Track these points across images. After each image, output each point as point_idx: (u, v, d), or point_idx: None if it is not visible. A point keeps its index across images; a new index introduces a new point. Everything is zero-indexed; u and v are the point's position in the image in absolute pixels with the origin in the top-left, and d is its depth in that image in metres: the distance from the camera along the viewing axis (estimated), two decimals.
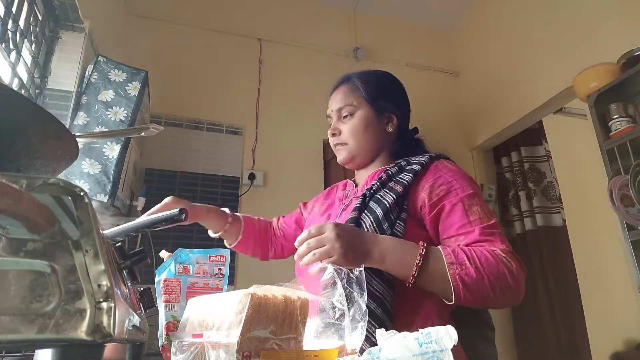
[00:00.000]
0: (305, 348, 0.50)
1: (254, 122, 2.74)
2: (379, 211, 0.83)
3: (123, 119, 1.74)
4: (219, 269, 0.76)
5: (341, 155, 1.02)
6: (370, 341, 0.53)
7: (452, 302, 0.73)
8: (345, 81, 1.05)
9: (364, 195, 0.88)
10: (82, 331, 0.33)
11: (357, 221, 0.83)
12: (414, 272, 0.73)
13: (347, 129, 0.99)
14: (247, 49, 2.90)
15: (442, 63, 3.39)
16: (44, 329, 0.32)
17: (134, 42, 2.57)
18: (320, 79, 3.07)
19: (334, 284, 0.62)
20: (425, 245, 0.75)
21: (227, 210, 1.11)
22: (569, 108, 2.38)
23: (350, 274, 0.63)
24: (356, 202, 0.88)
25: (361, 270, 0.65)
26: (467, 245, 0.79)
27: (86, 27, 1.79)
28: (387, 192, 0.86)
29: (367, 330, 0.55)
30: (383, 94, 1.01)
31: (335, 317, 0.56)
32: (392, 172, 0.92)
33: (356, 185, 1.06)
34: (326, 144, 2.86)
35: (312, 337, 0.55)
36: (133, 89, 1.82)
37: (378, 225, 0.81)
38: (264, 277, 0.69)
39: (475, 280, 0.72)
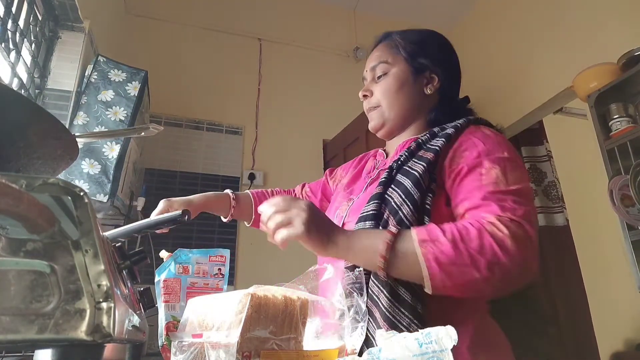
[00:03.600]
0: (305, 348, 0.50)
1: (253, 122, 2.74)
2: (407, 183, 0.71)
3: (123, 118, 1.74)
4: (219, 269, 0.76)
5: (372, 121, 0.90)
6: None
7: (431, 292, 0.61)
8: (384, 38, 0.94)
9: (390, 167, 0.77)
10: (81, 331, 0.33)
11: (382, 197, 0.72)
12: (384, 254, 0.61)
13: (379, 89, 0.88)
14: (247, 49, 2.90)
15: None
16: (44, 329, 0.32)
17: (134, 42, 2.57)
18: (320, 79, 3.09)
19: (335, 284, 0.61)
20: (398, 228, 0.65)
21: (229, 192, 1.03)
22: (569, 108, 2.38)
23: (350, 274, 0.63)
24: (382, 176, 0.77)
25: (360, 270, 0.65)
26: (467, 210, 0.68)
27: (86, 27, 1.79)
28: (417, 162, 0.74)
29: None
30: (423, 51, 0.88)
31: (336, 318, 0.56)
32: (423, 139, 0.80)
33: (386, 156, 0.93)
34: (326, 144, 2.86)
35: (312, 338, 0.55)
36: (133, 88, 1.82)
37: (408, 196, 0.69)
38: (264, 277, 0.69)
39: (452, 258, 0.59)
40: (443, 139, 0.76)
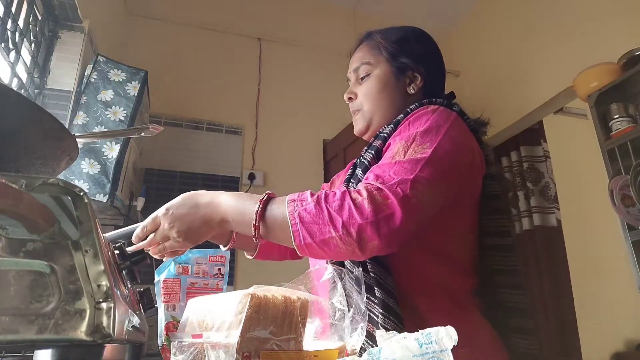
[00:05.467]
0: (305, 349, 0.50)
1: (253, 122, 2.74)
2: (360, 174, 0.73)
3: (122, 118, 1.74)
4: (219, 269, 0.76)
5: (357, 125, 0.89)
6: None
7: (298, 251, 0.63)
8: (366, 38, 0.92)
9: (354, 164, 0.80)
10: (81, 331, 0.33)
11: None
12: (255, 222, 0.63)
13: (361, 92, 0.88)
14: (247, 49, 2.89)
15: None
16: (44, 329, 0.32)
17: (134, 42, 2.57)
18: (320, 79, 3.09)
19: (335, 284, 0.61)
20: (270, 193, 0.67)
21: None
22: (569, 108, 2.38)
23: (350, 274, 0.63)
24: (348, 173, 0.80)
25: (360, 270, 0.65)
26: None
27: (85, 27, 1.79)
28: (368, 151, 0.76)
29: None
30: (405, 50, 0.86)
31: (336, 318, 0.56)
32: (380, 130, 0.80)
33: None
34: (326, 144, 2.86)
35: (312, 338, 0.55)
36: (132, 88, 1.82)
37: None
38: (263, 278, 0.69)
39: (313, 215, 0.60)
40: (392, 126, 0.76)
